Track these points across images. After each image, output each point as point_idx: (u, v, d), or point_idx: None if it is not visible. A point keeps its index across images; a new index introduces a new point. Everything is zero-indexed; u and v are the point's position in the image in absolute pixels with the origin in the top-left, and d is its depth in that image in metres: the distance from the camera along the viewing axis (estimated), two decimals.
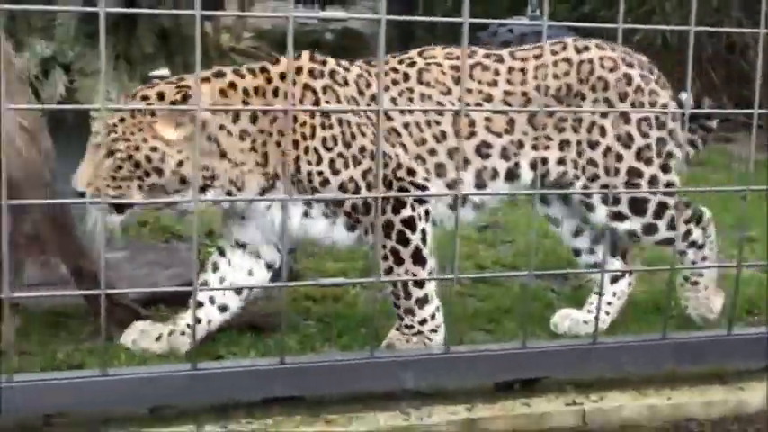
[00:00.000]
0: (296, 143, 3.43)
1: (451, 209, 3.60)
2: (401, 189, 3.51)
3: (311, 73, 3.54)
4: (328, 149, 3.46)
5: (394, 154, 3.54)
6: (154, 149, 3.32)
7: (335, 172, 3.46)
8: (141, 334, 3.51)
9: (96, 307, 2.89)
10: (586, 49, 3.84)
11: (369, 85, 3.61)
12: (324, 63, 3.60)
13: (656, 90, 3.80)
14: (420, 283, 3.52)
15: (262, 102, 3.49)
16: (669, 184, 3.80)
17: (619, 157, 3.74)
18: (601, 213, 3.76)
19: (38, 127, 3.43)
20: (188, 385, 2.80)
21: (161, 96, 3.36)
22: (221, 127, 3.41)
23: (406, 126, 3.62)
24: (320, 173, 3.46)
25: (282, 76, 3.49)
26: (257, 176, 3.49)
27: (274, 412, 2.86)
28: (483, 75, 3.75)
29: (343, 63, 3.65)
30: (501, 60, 3.80)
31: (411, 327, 3.53)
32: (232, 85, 3.48)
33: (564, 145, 3.77)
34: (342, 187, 3.47)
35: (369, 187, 3.47)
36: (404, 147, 3.59)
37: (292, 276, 3.82)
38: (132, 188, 3.33)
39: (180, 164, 3.36)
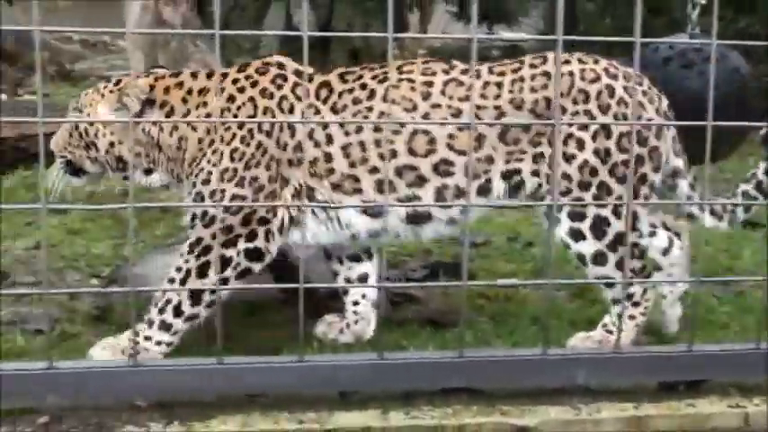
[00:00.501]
0: (211, 142, 3.64)
1: (407, 222, 3.67)
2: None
3: (263, 91, 3.68)
4: (231, 160, 3.60)
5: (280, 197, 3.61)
6: (91, 125, 3.72)
7: (220, 179, 3.55)
8: (330, 326, 3.85)
9: (293, 299, 3.22)
10: (566, 62, 3.72)
11: (317, 112, 3.65)
12: (280, 87, 3.67)
13: (642, 103, 3.68)
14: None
15: (199, 101, 3.70)
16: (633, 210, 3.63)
17: (593, 172, 3.63)
18: (564, 228, 3.66)
19: None
20: (375, 373, 3.06)
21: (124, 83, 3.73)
22: (154, 123, 3.71)
23: (345, 148, 3.64)
24: (210, 172, 3.60)
25: (234, 81, 3.68)
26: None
27: (453, 402, 3.08)
28: (456, 90, 3.69)
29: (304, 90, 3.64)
30: (477, 76, 3.70)
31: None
32: (179, 84, 3.76)
33: (538, 157, 3.68)
34: (212, 194, 3.56)
35: (226, 210, 3.51)
36: (328, 171, 3.63)
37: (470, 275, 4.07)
38: (83, 158, 3.77)
39: (112, 144, 3.74)
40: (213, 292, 3.44)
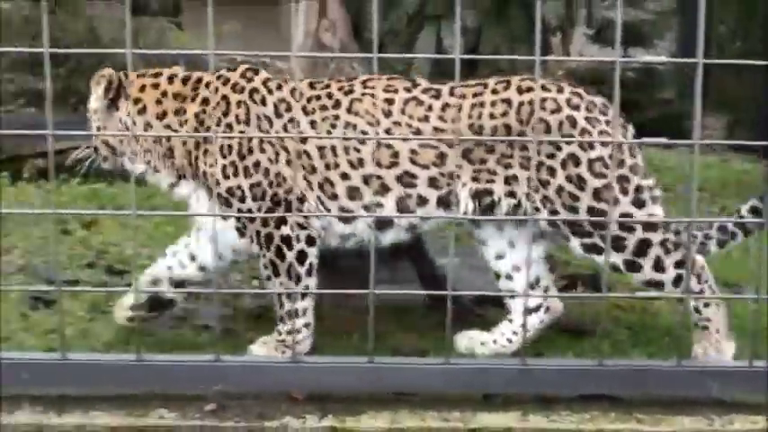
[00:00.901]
0: (197, 144, 3.85)
1: (373, 227, 3.71)
2: (287, 209, 3.74)
3: (234, 86, 3.89)
4: (223, 156, 3.79)
5: (290, 177, 3.76)
6: (88, 110, 4.10)
7: (226, 177, 3.79)
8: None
9: (441, 305, 3.42)
10: (529, 90, 3.73)
11: (289, 109, 3.84)
12: (250, 80, 3.89)
13: (606, 131, 3.67)
14: (292, 298, 3.76)
15: (174, 103, 3.94)
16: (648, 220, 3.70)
17: (575, 198, 3.67)
18: (574, 244, 3.76)
19: None
20: (517, 377, 3.22)
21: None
22: (128, 114, 3.96)
23: (321, 149, 3.80)
24: (212, 174, 3.82)
25: (207, 85, 3.89)
26: (166, 168, 3.99)
27: (591, 408, 3.20)
28: (415, 110, 3.78)
29: (274, 84, 3.89)
30: (438, 96, 3.79)
31: (279, 333, 3.83)
32: (155, 85, 4.00)
33: (511, 180, 3.73)
34: (229, 191, 3.79)
35: (255, 198, 3.76)
36: (310, 170, 3.80)
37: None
38: (97, 139, 4.07)
39: (98, 129, 4.04)
40: (302, 260, 3.76)
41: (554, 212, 3.69)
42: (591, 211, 3.64)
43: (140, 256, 5.16)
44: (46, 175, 7.00)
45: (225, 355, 3.28)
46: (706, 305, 3.75)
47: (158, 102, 3.99)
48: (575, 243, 3.75)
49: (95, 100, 4.07)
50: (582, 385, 3.24)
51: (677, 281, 3.66)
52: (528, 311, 3.73)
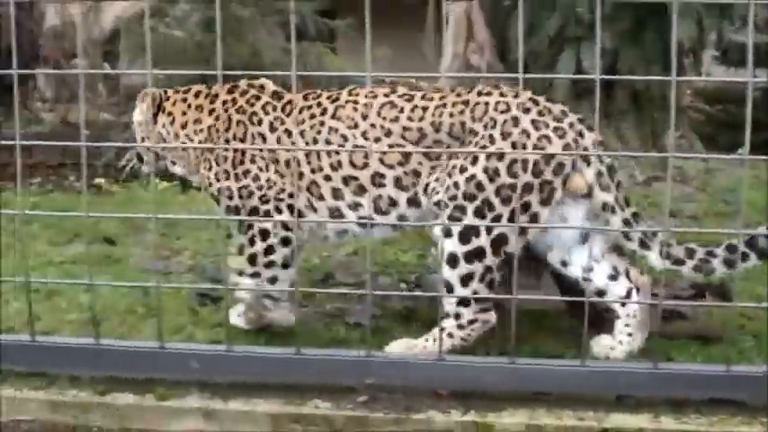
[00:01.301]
0: (202, 151, 4.38)
1: (360, 227, 4.16)
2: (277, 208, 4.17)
3: (238, 109, 4.33)
4: (218, 164, 4.28)
5: (281, 182, 4.17)
6: (132, 122, 4.70)
7: (217, 180, 4.28)
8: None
9: (575, 310, 3.61)
10: (488, 94, 3.98)
11: (282, 123, 4.23)
12: (252, 105, 4.31)
13: (547, 136, 3.82)
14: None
15: (195, 114, 4.44)
16: (499, 237, 3.81)
17: (479, 187, 3.82)
18: (441, 227, 3.91)
19: None
20: (648, 380, 3.39)
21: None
22: (163, 125, 4.50)
23: (308, 155, 4.16)
24: (207, 177, 4.34)
25: (223, 102, 4.36)
26: (193, 171, 4.54)
27: (719, 412, 3.34)
28: (389, 112, 4.05)
29: (271, 106, 4.28)
30: (410, 99, 4.06)
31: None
32: (183, 99, 4.52)
33: (443, 168, 3.96)
34: (219, 191, 4.26)
35: (241, 197, 4.20)
36: (300, 173, 4.14)
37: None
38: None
39: (143, 140, 4.59)
40: (268, 253, 4.18)
41: (453, 197, 3.87)
42: (484, 202, 3.82)
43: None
44: None
45: (375, 351, 3.56)
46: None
47: (183, 113, 4.51)
48: (441, 224, 3.96)
49: (139, 114, 4.62)
50: (710, 389, 3.37)
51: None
52: (622, 304, 3.99)
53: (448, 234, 3.86)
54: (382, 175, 4.06)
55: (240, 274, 4.24)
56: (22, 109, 9.80)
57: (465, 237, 3.83)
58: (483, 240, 3.83)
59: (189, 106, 4.51)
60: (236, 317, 4.24)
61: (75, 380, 3.71)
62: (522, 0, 3.06)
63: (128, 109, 10.23)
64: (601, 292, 4.01)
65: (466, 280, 3.86)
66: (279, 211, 4.19)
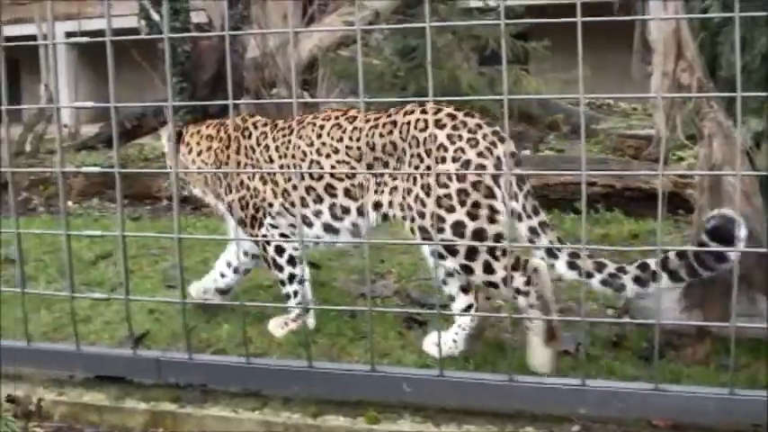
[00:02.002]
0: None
1: (326, 232, 4.70)
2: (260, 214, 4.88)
3: (240, 130, 5.00)
4: (225, 178, 5.02)
5: (263, 190, 4.85)
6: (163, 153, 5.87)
7: (227, 194, 4.99)
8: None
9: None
10: (412, 112, 4.36)
11: (266, 138, 4.89)
12: (245, 130, 4.99)
13: (462, 148, 4.11)
14: (289, 281, 4.82)
15: (206, 143, 5.16)
16: (478, 231, 4.07)
17: (423, 203, 4.19)
18: (426, 250, 4.39)
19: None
20: None
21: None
22: (182, 154, 5.21)
23: (282, 167, 4.77)
24: (220, 194, 5.09)
25: (219, 130, 5.16)
26: (209, 192, 5.25)
27: None
28: (335, 132, 4.59)
29: (259, 128, 4.96)
30: (353, 121, 4.56)
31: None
32: (198, 131, 5.26)
33: (393, 191, 4.37)
34: (228, 205, 5.02)
35: (242, 208, 4.90)
36: (274, 183, 4.82)
37: None
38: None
39: (169, 167, 5.27)
40: (280, 253, 4.85)
41: (412, 219, 4.26)
42: (431, 216, 4.12)
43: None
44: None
45: (588, 380, 3.47)
46: (531, 306, 4.08)
47: (198, 143, 5.23)
48: (425, 249, 4.40)
49: (164, 146, 5.54)
50: None
51: (505, 280, 3.99)
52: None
53: (440, 255, 4.19)
54: (333, 187, 4.61)
55: (290, 282, 4.88)
56: None
57: (449, 248, 4.14)
58: (462, 247, 4.12)
59: (201, 136, 5.25)
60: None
61: (288, 401, 3.81)
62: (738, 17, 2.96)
63: None
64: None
65: (489, 269, 4.13)
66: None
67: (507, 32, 10.89)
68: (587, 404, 3.45)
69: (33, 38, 14.43)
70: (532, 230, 4.18)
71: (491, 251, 4.09)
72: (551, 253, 4.14)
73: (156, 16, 11.30)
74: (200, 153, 5.20)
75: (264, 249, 4.89)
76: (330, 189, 4.62)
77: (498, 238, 4.08)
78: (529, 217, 4.18)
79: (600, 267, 4.03)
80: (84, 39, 4.25)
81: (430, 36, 3.53)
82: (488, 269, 4.11)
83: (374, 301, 5.17)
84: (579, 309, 4.58)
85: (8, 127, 4.33)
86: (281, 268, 4.84)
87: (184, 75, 11.36)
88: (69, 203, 9.39)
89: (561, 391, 3.50)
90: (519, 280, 4.08)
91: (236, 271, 5.20)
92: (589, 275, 4.02)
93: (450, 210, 4.11)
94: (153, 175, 9.29)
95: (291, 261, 4.83)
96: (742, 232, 3.51)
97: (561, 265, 4.13)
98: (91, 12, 23.07)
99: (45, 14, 12.65)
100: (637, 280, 3.94)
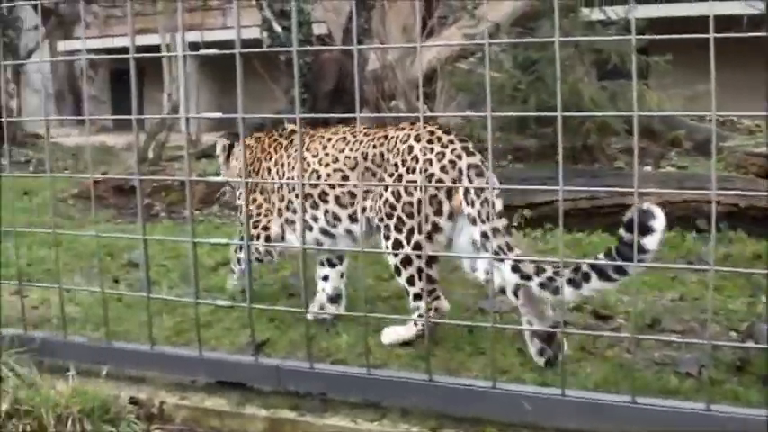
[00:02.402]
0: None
1: (324, 236, 5.24)
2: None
3: (260, 146, 5.71)
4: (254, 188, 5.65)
5: (261, 199, 5.60)
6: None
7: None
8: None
9: None
10: (402, 128, 4.93)
11: (278, 151, 5.59)
12: (262, 142, 5.73)
13: (430, 159, 4.66)
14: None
15: (250, 154, 5.70)
16: (417, 243, 4.68)
17: (392, 207, 4.78)
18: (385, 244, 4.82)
19: None
20: None
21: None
22: (231, 166, 6.05)
23: (290, 178, 5.37)
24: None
25: (257, 140, 5.77)
26: None
27: None
28: (339, 144, 5.15)
29: (274, 146, 5.64)
30: (355, 135, 5.08)
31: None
32: (248, 146, 5.65)
33: (374, 195, 4.91)
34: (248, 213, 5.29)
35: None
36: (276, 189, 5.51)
37: None
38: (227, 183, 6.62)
39: (222, 176, 6.33)
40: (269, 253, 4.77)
41: (381, 219, 4.83)
42: (398, 219, 4.75)
43: (623, 303, 5.47)
44: (534, 223, 7.58)
45: (714, 405, 3.35)
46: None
47: (237, 156, 5.86)
48: (385, 244, 4.83)
49: (218, 158, 6.15)
50: None
51: (417, 296, 4.74)
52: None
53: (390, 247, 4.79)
54: (326, 194, 5.15)
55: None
56: None
57: (395, 248, 4.75)
58: (407, 249, 4.71)
59: (249, 148, 5.70)
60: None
61: (407, 413, 3.81)
62: None
63: None
64: (502, 289, 4.53)
65: (411, 280, 4.76)
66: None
67: (630, 46, 10.78)
68: (713, 429, 3.32)
69: (157, 48, 14.89)
70: (484, 235, 4.53)
71: (419, 267, 4.71)
72: (498, 256, 4.45)
73: (278, 28, 11.53)
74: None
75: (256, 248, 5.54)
76: (324, 196, 5.18)
77: (432, 260, 4.69)
78: (483, 222, 4.51)
79: (539, 271, 4.31)
80: (213, 51, 4.37)
81: (551, 49, 3.51)
82: (411, 281, 4.77)
83: (495, 317, 5.12)
84: (703, 331, 4.50)
85: (137, 135, 4.46)
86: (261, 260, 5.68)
87: (305, 86, 11.58)
88: None
89: (685, 414, 3.39)
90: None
91: (325, 278, 5.51)
92: (528, 278, 4.34)
93: (410, 216, 4.71)
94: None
95: (269, 253, 5.60)
96: (657, 223, 3.67)
97: (506, 269, 4.42)
98: (213, 23, 23.68)
99: (168, 25, 13.01)
100: (571, 282, 4.09)
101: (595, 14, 12.03)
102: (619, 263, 3.89)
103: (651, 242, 3.69)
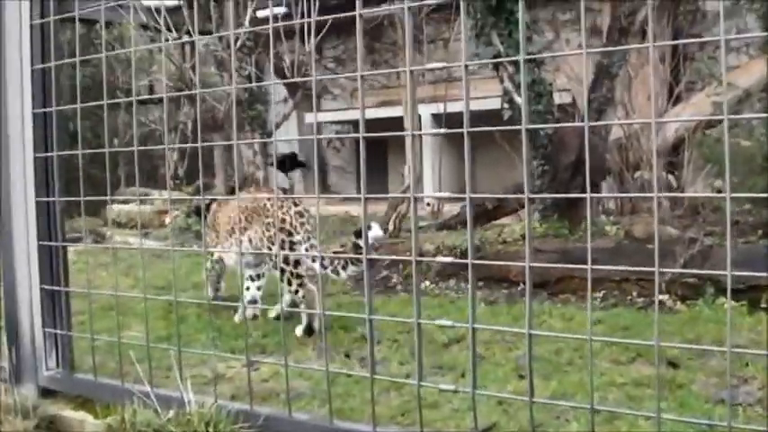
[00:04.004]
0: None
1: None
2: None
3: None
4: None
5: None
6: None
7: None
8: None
9: None
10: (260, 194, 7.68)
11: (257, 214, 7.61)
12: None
13: (278, 214, 7.19)
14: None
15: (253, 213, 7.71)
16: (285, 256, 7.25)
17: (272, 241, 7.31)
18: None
19: None
20: None
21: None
22: None
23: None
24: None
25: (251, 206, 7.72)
26: None
27: None
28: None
29: (273, 207, 7.37)
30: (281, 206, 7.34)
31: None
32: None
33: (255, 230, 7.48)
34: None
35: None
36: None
37: None
38: None
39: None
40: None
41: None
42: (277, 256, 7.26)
43: None
44: None
45: None
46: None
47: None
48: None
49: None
50: None
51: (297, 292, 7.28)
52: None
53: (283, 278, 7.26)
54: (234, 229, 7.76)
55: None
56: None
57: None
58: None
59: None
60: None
61: None
62: None
63: (692, 222, 10.07)
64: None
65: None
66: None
67: None
68: None
69: (400, 120, 15.12)
70: (306, 249, 7.21)
71: (292, 271, 7.27)
72: (314, 260, 7.10)
73: (518, 99, 11.46)
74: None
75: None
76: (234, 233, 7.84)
77: (297, 263, 7.30)
78: (304, 242, 7.26)
79: (331, 262, 7.00)
80: (442, 130, 4.28)
81: None
82: (289, 282, 7.24)
83: (734, 410, 4.69)
84: None
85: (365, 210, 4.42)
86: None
87: (546, 158, 11.41)
88: (427, 283, 9.62)
89: None
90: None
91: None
92: (326, 268, 7.03)
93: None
94: (509, 257, 9.29)
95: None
96: (373, 232, 6.50)
97: (318, 267, 6.99)
98: (457, 94, 23.99)
99: (411, 98, 13.23)
100: (344, 267, 7.00)
101: None
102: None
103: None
